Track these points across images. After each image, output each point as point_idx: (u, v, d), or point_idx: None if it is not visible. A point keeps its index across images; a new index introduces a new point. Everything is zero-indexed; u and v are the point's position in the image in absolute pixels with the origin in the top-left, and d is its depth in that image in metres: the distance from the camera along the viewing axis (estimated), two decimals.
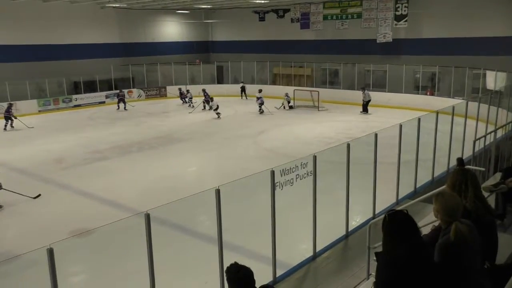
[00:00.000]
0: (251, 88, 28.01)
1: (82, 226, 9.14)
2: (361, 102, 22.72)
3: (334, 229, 7.99)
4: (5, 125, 20.48)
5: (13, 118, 20.67)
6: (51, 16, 26.20)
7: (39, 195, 10.88)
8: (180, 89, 27.61)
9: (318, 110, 24.00)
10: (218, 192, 5.84)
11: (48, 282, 4.37)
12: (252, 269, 3.29)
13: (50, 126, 20.97)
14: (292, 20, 27.72)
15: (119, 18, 30.37)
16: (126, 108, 25.34)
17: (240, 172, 11.72)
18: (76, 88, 27.39)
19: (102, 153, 15.90)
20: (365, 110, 22.61)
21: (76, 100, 26.37)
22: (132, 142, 17.52)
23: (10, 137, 19.10)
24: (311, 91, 25.16)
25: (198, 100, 24.91)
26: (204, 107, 24.31)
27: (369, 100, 22.63)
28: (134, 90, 29.35)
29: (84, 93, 27.10)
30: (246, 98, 28.18)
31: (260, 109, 23.16)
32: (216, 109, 22.09)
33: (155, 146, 16.90)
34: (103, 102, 27.33)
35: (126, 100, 25.87)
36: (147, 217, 5.22)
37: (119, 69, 29.63)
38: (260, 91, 24.19)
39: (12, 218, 10.38)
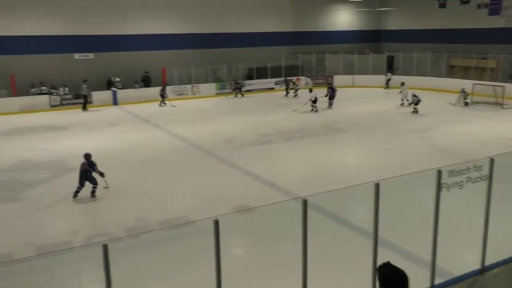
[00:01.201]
0: (421, 81, 26.26)
1: (245, 203, 9.83)
2: None
3: (510, 245, 7.07)
4: (161, 102, 23.65)
5: (165, 97, 23.55)
6: (230, 6, 28.44)
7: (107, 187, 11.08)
8: (286, 79, 27.57)
9: (502, 108, 21.32)
10: (377, 186, 5.66)
11: (212, 251, 4.80)
12: (407, 271, 3.12)
13: (224, 108, 22.86)
14: (479, 6, 24.98)
15: (293, 7, 31.34)
16: (297, 94, 26.15)
17: (403, 168, 11.21)
18: (249, 74, 29.31)
19: (268, 137, 16.74)
20: None
21: (248, 86, 28.23)
22: (296, 128, 18.05)
23: (190, 116, 21.35)
24: (494, 86, 22.45)
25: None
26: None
27: None
28: (302, 78, 30.08)
29: (256, 79, 28.86)
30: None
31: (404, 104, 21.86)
32: (315, 101, 21.45)
33: (317, 134, 17.13)
34: (272, 89, 28.70)
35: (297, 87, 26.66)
36: (304, 203, 5.32)
37: (289, 57, 30.69)
38: (402, 84, 22.65)
39: (185, 190, 11.65)
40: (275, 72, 29.53)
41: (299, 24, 31.81)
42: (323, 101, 21.82)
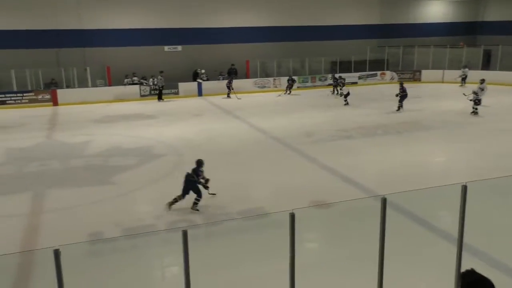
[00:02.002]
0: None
1: (321, 198, 9.74)
2: None
3: None
4: (228, 94, 24.04)
5: (230, 89, 23.79)
6: None
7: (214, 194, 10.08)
8: (334, 76, 25.82)
9: None
10: (465, 188, 5.33)
11: (287, 243, 4.83)
12: (493, 280, 2.91)
13: (305, 102, 22.74)
14: None
15: None
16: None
17: (494, 170, 10.44)
18: (332, 68, 28.87)
19: (348, 132, 16.41)
20: None
21: (330, 79, 27.80)
22: (378, 124, 17.49)
23: (270, 109, 21.51)
24: None
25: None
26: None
27: None
28: (387, 73, 29.04)
29: (339, 72, 28.33)
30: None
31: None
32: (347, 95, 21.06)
33: (400, 131, 16.48)
34: (355, 83, 28.00)
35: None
36: (384, 201, 5.15)
37: (375, 51, 29.74)
38: (482, 81, 19.21)
39: (263, 181, 11.81)
40: (359, 66, 28.78)
41: (387, 16, 30.67)
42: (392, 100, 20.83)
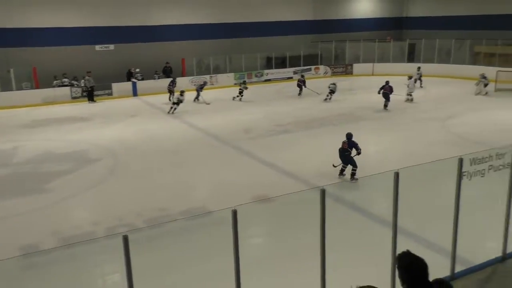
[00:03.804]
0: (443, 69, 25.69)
1: (263, 193, 9.84)
2: None
3: None
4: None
5: (172, 92, 21.90)
6: None
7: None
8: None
9: None
10: (397, 175, 5.60)
11: (231, 241, 4.83)
12: (427, 259, 3.08)
13: (243, 98, 22.81)
14: None
15: None
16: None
17: (424, 156, 11.04)
18: (268, 64, 29.19)
19: (286, 126, 16.68)
20: None
21: (267, 75, 28.12)
22: (314, 117, 17.93)
23: (209, 107, 21.39)
24: None
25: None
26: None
27: None
28: (321, 67, 29.83)
29: (275, 68, 28.72)
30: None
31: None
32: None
33: (337, 123, 16.99)
34: (291, 78, 28.51)
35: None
36: (323, 192, 5.29)
37: (309, 46, 30.43)
38: (418, 68, 22.42)
39: (203, 180, 11.75)
40: (293, 62, 29.32)
41: (320, 12, 31.48)
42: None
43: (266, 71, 28.34)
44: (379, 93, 19.16)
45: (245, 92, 22.13)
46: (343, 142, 10.99)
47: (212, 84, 26.07)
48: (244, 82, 23.27)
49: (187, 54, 26.52)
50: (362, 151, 10.82)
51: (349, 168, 10.91)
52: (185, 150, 14.16)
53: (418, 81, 23.56)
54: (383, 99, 19.00)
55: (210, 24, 27.80)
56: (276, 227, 8.40)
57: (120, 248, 4.19)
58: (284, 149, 13.83)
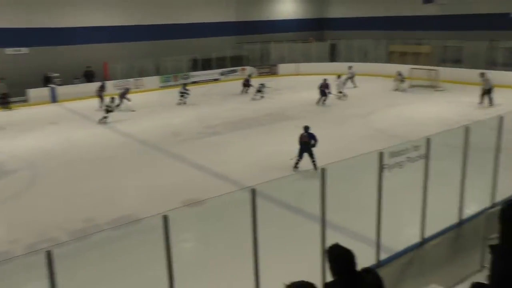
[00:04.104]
0: (362, 67, 26.97)
1: (194, 196, 9.74)
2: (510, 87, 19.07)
3: (446, 217, 7.50)
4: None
5: (103, 98, 20.63)
6: None
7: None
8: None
9: (435, 90, 22.40)
10: (323, 171, 5.80)
11: (163, 246, 4.73)
12: (355, 250, 3.21)
13: (170, 101, 22.44)
14: None
15: None
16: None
17: (349, 152, 11.50)
18: (194, 66, 28.95)
19: (215, 128, 16.65)
20: (488, 100, 18.45)
21: (193, 77, 27.87)
22: (243, 118, 18.07)
23: (135, 112, 20.80)
24: (429, 69, 23.50)
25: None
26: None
27: (490, 89, 18.35)
28: (247, 68, 30.13)
29: (201, 70, 28.55)
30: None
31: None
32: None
33: (265, 123, 17.24)
34: (218, 79, 28.50)
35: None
36: (253, 192, 5.35)
37: (234, 47, 30.60)
38: (349, 67, 23.68)
39: (132, 187, 11.41)
40: (220, 63, 29.33)
41: (243, 13, 31.75)
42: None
43: (192, 73, 28.08)
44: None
45: (186, 94, 21.50)
46: (303, 136, 11.30)
47: (138, 88, 25.36)
48: (185, 85, 22.83)
49: (110, 57, 25.55)
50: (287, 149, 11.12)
51: (306, 160, 11.17)
52: (111, 157, 13.66)
53: (350, 80, 24.21)
54: (317, 97, 19.98)
55: (132, 26, 27.01)
56: (208, 230, 8.35)
57: (43, 265, 3.95)
58: (214, 151, 13.80)
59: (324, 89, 20.06)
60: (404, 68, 24.16)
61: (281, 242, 7.62)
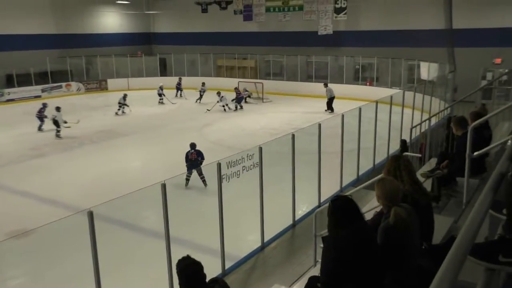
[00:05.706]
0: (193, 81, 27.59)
1: (20, 227, 8.69)
2: (325, 97, 20.87)
3: (282, 219, 8.12)
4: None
5: None
6: None
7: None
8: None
9: (263, 102, 24.18)
10: (164, 186, 5.77)
11: None
12: (201, 262, 3.28)
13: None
14: (235, 12, 27.59)
15: (54, 7, 28.92)
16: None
17: (182, 165, 11.63)
18: (8, 82, 25.85)
19: (40, 149, 15.17)
20: (329, 108, 20.53)
21: (9, 95, 24.93)
22: (73, 137, 16.83)
23: None
24: (255, 82, 25.27)
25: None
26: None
27: (333, 97, 20.59)
28: (73, 84, 28.15)
29: (18, 86, 25.64)
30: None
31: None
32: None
33: (97, 141, 16.33)
34: (39, 96, 25.92)
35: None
36: (90, 214, 5.07)
37: (56, 62, 28.27)
38: (203, 84, 24.08)
39: None
40: (40, 79, 26.77)
41: (64, 26, 29.52)
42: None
43: (7, 90, 25.06)
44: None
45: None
46: (190, 153, 11.05)
47: None
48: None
49: None
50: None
51: (196, 176, 10.76)
52: None
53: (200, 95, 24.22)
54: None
55: None
56: (40, 261, 7.55)
57: None
58: (41, 174, 12.55)
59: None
60: (232, 82, 25.51)
61: (124, 263, 7.31)
